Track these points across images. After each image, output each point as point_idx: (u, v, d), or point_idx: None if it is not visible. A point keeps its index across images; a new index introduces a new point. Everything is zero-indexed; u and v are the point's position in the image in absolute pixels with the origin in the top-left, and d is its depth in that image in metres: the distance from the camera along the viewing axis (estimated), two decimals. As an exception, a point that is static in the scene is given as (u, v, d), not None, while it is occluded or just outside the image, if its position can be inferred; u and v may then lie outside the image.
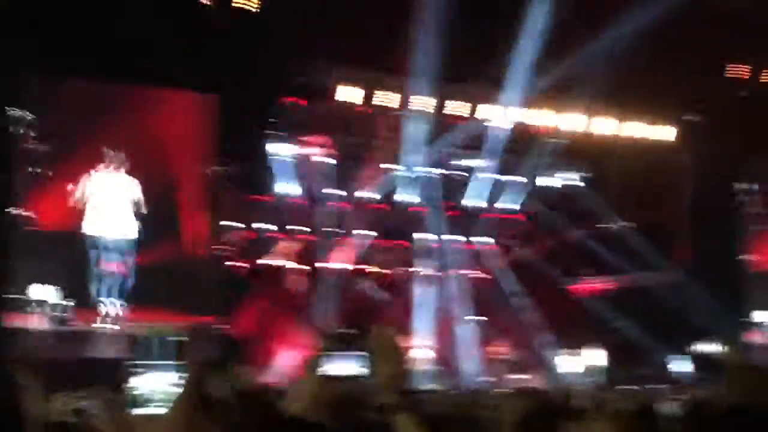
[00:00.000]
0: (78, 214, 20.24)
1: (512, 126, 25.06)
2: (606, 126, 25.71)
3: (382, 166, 25.64)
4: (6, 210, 18.24)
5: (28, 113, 19.58)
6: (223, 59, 20.68)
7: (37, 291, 18.75)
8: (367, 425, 3.21)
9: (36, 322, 18.41)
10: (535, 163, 27.00)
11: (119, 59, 19.58)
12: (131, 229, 20.60)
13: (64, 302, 19.06)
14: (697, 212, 26.31)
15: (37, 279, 18.95)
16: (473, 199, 27.22)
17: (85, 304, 19.92)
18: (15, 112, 18.96)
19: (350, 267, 25.69)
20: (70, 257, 20.11)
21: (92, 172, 20.44)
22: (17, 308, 18.08)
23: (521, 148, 25.95)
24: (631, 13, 21.19)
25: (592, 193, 27.59)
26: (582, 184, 27.80)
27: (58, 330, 18.62)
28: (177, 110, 22.05)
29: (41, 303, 18.70)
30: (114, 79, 20.69)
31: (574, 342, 24.78)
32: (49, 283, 18.98)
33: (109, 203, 20.49)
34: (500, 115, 24.79)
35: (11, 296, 17.88)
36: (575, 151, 26.44)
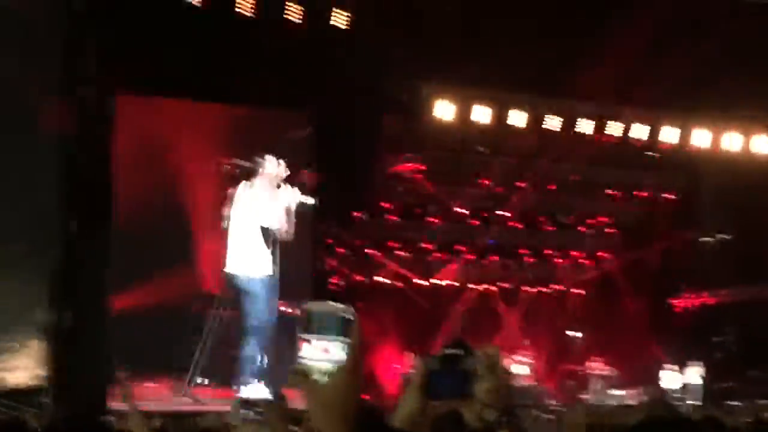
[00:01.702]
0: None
1: (609, 138, 24.70)
2: (703, 137, 25.22)
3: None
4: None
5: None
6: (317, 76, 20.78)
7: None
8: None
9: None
10: (632, 175, 26.69)
11: (212, 80, 20.00)
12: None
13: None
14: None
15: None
16: (570, 212, 27.02)
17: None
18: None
19: (455, 284, 25.75)
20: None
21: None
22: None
23: (618, 160, 25.59)
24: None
25: (691, 205, 27.20)
26: (679, 196, 27.32)
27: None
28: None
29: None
30: (206, 99, 21.19)
31: (675, 358, 24.38)
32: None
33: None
34: (598, 127, 24.41)
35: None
36: (672, 163, 26.02)
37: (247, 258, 17.33)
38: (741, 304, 25.74)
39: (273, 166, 17.70)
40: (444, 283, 25.95)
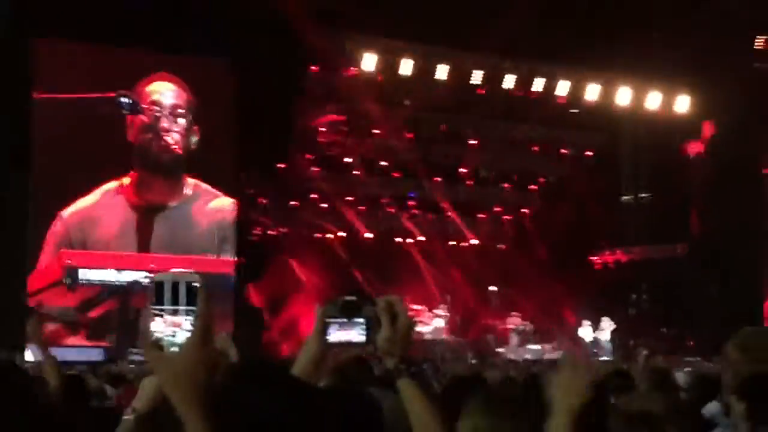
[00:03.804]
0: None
1: (533, 95, 24.77)
2: (624, 96, 25.37)
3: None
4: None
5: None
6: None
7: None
8: (369, 391, 3.25)
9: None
10: (555, 133, 26.84)
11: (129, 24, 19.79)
12: None
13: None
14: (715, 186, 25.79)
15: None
16: (492, 168, 27.16)
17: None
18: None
19: (376, 236, 25.80)
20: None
21: None
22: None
23: (541, 118, 25.69)
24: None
25: (611, 164, 27.48)
26: (599, 154, 27.55)
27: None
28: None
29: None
30: (123, 45, 20.96)
31: (592, 314, 24.70)
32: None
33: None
34: (522, 85, 24.46)
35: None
36: (594, 122, 26.20)
37: None
38: (656, 261, 26.16)
39: None
40: (366, 235, 25.98)
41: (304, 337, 3.14)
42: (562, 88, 24.70)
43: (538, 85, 24.45)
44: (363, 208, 25.97)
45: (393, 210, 26.36)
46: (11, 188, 19.25)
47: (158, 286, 2.98)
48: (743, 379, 3.64)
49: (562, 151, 27.49)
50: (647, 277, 26.57)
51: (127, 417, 2.88)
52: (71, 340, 20.20)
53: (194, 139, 22.05)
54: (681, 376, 8.12)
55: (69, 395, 5.26)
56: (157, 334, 2.74)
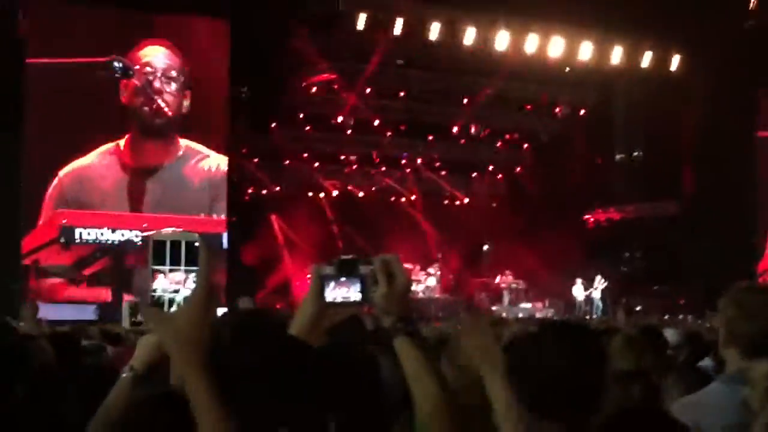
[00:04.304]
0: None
1: (522, 53, 24.61)
2: (617, 55, 25.23)
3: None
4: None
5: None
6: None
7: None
8: (366, 349, 3.27)
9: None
10: (545, 91, 26.73)
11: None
12: None
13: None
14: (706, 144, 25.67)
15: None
16: (486, 126, 27.12)
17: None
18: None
19: (369, 194, 25.85)
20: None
21: None
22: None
23: (531, 76, 25.57)
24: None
25: (604, 123, 27.42)
26: (594, 113, 27.46)
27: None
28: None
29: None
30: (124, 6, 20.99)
31: (585, 272, 24.75)
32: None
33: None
34: (510, 42, 24.29)
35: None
36: (587, 80, 26.13)
37: None
38: (649, 219, 26.20)
39: None
40: (359, 194, 26.03)
41: (298, 296, 3.17)
42: (556, 45, 24.57)
43: (532, 43, 24.31)
44: (355, 167, 26.00)
45: (385, 168, 26.40)
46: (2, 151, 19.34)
47: (158, 245, 3.01)
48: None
49: (556, 109, 27.45)
50: (640, 235, 26.59)
51: (125, 375, 2.90)
52: (67, 294, 20.44)
53: (186, 102, 22.12)
54: (671, 334, 8.15)
55: (62, 353, 5.26)
56: (159, 292, 2.77)
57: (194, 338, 2.48)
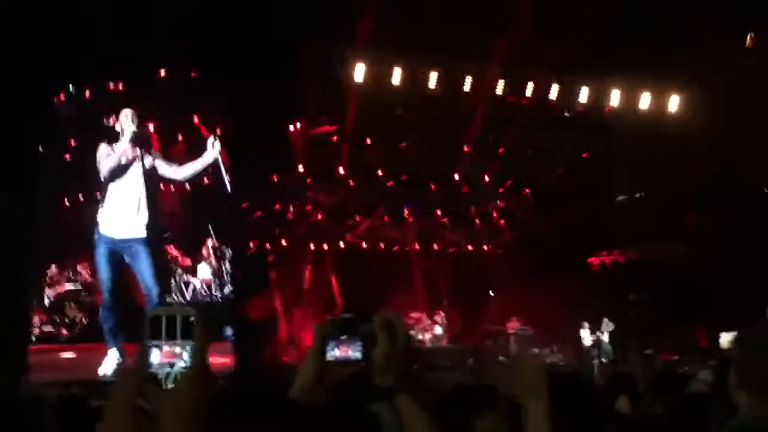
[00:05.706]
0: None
1: (526, 99, 24.67)
2: (616, 98, 25.28)
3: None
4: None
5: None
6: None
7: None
8: (367, 408, 3.23)
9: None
10: (546, 137, 26.76)
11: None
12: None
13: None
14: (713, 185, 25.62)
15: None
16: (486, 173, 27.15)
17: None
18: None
19: (374, 246, 25.82)
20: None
21: None
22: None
23: (531, 121, 25.60)
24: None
25: (604, 165, 27.43)
26: (594, 156, 27.49)
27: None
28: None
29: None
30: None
31: (592, 316, 24.67)
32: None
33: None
34: (514, 89, 24.36)
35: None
36: (587, 124, 26.17)
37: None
38: (654, 261, 26.13)
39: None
40: (363, 245, 26.02)
41: (305, 349, 3.16)
42: (554, 92, 24.61)
43: (530, 90, 24.37)
44: (359, 218, 26.00)
45: (388, 219, 26.40)
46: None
47: (154, 320, 3.01)
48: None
49: (556, 154, 27.48)
50: (646, 276, 26.52)
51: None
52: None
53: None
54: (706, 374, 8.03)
55: (65, 418, 5.20)
56: (155, 368, 2.76)
57: (192, 412, 2.46)
